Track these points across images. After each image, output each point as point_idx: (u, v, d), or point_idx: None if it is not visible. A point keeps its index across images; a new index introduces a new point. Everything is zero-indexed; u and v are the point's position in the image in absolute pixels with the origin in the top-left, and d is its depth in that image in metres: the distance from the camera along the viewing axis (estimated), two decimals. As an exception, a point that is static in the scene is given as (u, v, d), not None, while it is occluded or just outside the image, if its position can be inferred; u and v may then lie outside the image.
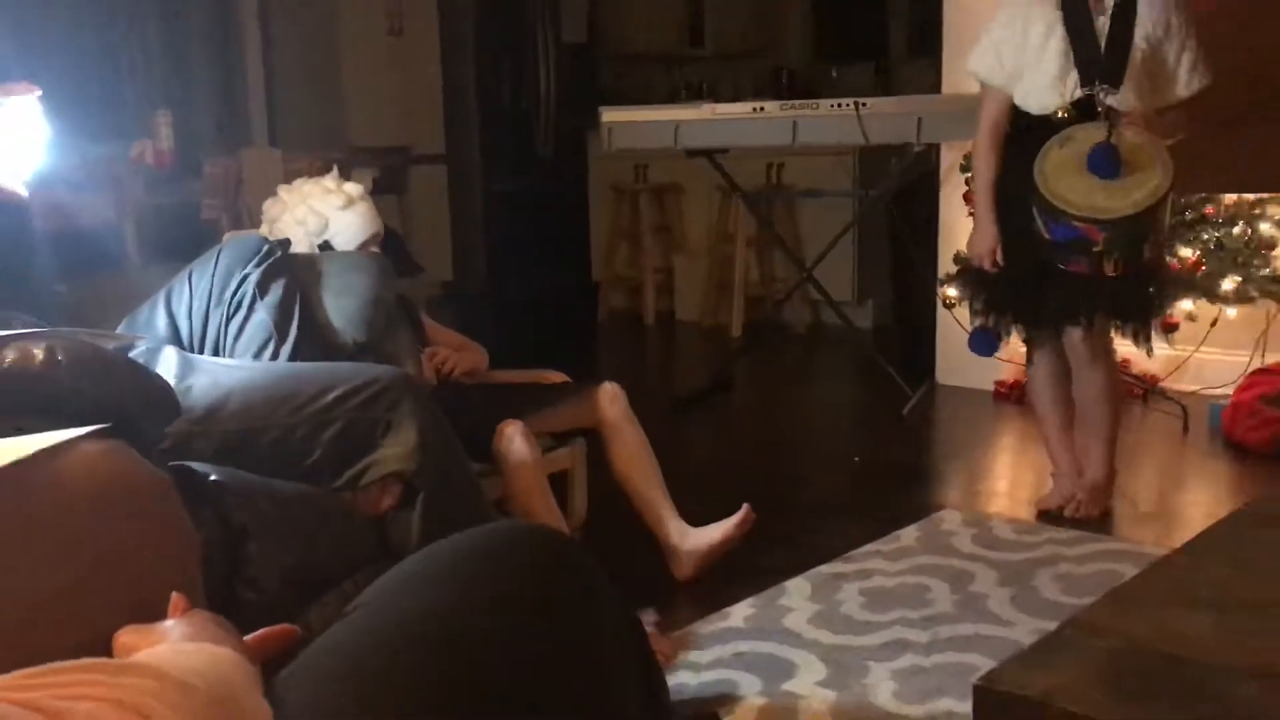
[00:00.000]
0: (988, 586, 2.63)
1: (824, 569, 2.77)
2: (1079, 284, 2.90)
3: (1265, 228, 4.07)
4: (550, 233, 5.89)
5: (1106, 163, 2.73)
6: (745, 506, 2.74)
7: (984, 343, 3.16)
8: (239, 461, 1.68)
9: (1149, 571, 1.41)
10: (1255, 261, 4.07)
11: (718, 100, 6.02)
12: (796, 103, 4.43)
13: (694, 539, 2.72)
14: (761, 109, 4.40)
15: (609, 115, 4.54)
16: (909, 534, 3.00)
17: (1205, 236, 4.09)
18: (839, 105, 4.23)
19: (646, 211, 6.67)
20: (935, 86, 4.66)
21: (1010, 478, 3.74)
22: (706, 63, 7.61)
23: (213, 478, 1.51)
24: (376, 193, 3.46)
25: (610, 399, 2.78)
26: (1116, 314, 2.99)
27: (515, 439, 2.50)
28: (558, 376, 2.97)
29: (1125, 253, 2.79)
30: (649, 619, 2.37)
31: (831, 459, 3.97)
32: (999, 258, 3.01)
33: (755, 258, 6.23)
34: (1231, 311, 4.12)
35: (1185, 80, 2.90)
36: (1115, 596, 1.31)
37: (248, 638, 0.93)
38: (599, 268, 6.65)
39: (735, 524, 2.72)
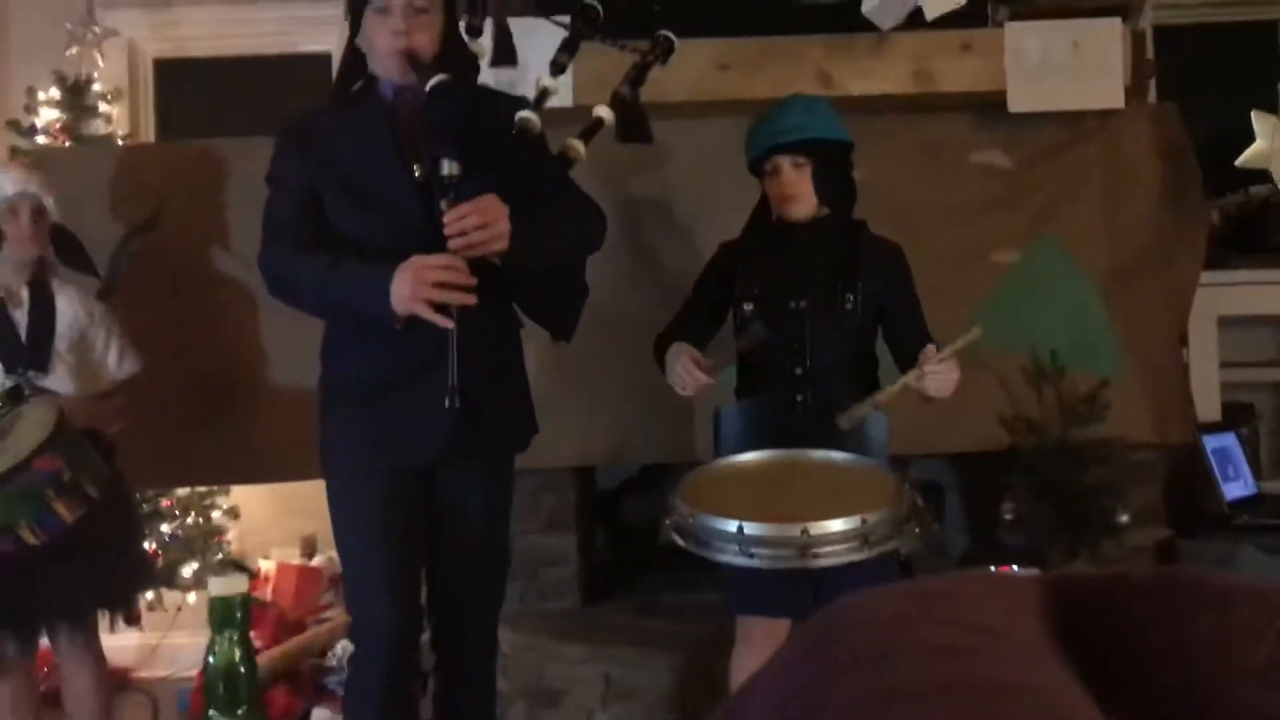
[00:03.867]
0: None
1: None
2: (60, 581, 2.71)
3: (217, 515, 4.20)
4: None
5: None
6: None
7: None
8: None
9: None
10: (210, 548, 4.16)
11: None
12: None
13: None
14: None
15: None
16: None
17: (163, 528, 4.07)
18: None
19: None
20: None
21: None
22: None
23: None
24: None
25: None
26: (102, 604, 2.90)
27: None
28: None
29: (23, 514, 2.54)
30: None
31: None
32: None
33: None
34: (193, 597, 4.11)
35: (116, 363, 2.96)
36: None
37: None
38: None
39: None
